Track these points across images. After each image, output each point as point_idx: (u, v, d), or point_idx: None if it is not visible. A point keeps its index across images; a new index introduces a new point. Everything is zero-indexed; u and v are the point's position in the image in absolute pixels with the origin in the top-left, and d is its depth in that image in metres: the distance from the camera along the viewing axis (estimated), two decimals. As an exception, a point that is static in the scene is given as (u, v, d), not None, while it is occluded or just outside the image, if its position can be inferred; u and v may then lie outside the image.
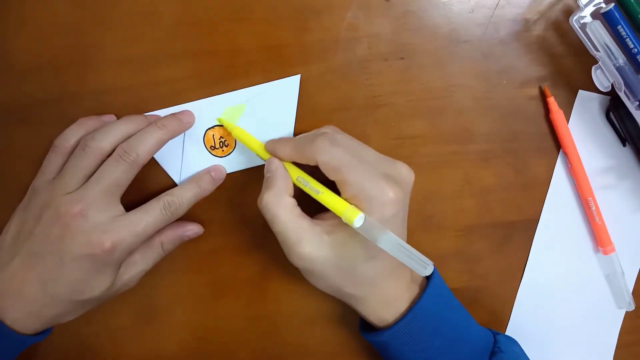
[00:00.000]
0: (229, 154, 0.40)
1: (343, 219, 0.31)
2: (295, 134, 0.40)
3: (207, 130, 0.39)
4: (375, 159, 0.34)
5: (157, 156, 0.39)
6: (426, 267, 0.30)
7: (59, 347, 0.41)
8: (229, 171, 0.40)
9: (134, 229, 0.34)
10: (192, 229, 0.39)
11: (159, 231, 0.36)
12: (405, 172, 0.34)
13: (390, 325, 0.35)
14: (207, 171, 0.38)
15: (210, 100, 0.39)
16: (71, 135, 0.36)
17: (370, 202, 0.31)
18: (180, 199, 0.36)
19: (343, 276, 0.34)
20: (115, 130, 0.35)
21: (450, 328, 0.36)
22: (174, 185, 0.39)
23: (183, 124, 0.37)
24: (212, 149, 0.39)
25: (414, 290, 0.36)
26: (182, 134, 0.39)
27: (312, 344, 0.43)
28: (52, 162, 0.36)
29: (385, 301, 0.35)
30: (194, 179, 0.38)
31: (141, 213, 0.34)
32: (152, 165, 0.39)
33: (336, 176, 0.32)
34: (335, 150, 0.32)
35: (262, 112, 0.39)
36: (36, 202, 0.34)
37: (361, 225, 0.31)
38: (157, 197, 0.36)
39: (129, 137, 0.35)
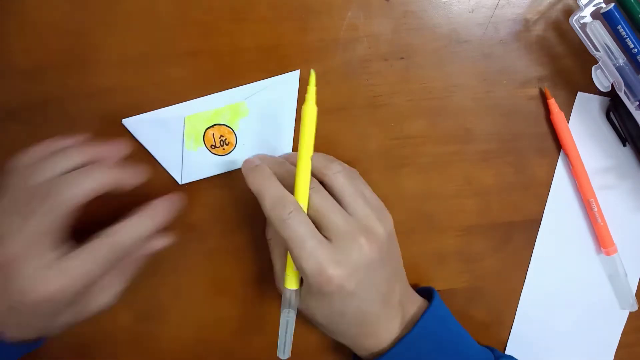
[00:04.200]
0: (229, 153, 0.39)
1: (285, 278, 0.34)
2: (295, 134, 0.40)
3: (207, 129, 0.39)
4: (344, 227, 0.32)
5: (158, 156, 0.39)
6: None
7: (58, 348, 0.41)
8: (229, 170, 0.40)
9: (77, 277, 0.31)
10: (160, 243, 0.37)
11: None
12: (357, 253, 0.32)
13: (377, 356, 0.35)
14: (161, 201, 0.35)
15: (210, 97, 0.39)
16: (28, 158, 0.34)
17: (307, 280, 0.32)
18: (130, 239, 0.32)
19: (332, 322, 0.35)
20: (54, 165, 0.32)
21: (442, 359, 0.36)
22: (175, 184, 0.39)
23: (136, 177, 0.34)
24: (213, 148, 0.39)
25: (409, 326, 0.36)
26: (182, 134, 0.39)
27: (312, 343, 0.43)
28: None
29: (375, 343, 0.36)
30: (148, 211, 0.34)
31: (83, 260, 0.31)
32: (153, 165, 0.39)
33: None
34: (289, 226, 0.31)
35: (263, 109, 0.39)
36: None
37: (287, 292, 0.34)
38: (103, 236, 0.32)
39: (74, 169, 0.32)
